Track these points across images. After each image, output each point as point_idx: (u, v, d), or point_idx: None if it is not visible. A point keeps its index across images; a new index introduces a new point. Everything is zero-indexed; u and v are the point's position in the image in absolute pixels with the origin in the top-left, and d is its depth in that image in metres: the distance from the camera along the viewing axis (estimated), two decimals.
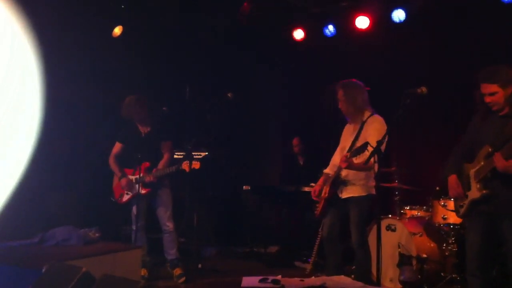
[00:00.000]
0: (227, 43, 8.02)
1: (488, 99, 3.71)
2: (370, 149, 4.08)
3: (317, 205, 4.87)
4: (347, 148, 4.73)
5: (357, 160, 4.35)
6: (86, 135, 6.93)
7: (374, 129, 4.54)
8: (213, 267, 6.31)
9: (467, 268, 3.89)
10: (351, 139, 4.75)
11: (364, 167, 4.36)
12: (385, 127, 4.57)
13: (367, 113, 4.73)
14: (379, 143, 3.96)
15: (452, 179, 3.96)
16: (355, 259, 4.81)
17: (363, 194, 4.64)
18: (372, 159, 4.26)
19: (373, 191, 4.64)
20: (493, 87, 3.67)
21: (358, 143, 4.51)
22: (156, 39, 7.57)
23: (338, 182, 4.73)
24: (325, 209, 4.81)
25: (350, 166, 4.46)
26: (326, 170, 5.01)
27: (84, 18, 6.59)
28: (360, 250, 4.72)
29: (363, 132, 4.65)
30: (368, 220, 4.92)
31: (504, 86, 3.65)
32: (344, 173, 4.68)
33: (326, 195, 4.74)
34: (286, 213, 7.47)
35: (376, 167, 4.48)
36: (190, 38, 7.84)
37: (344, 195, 4.71)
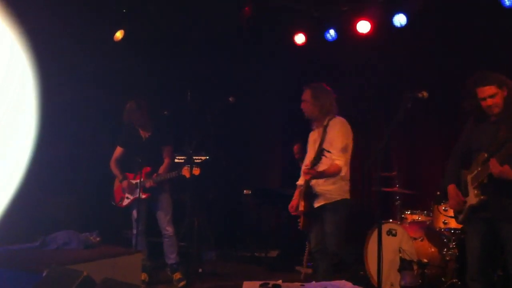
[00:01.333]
0: (228, 46, 8.03)
1: (489, 102, 3.72)
2: (326, 154, 4.04)
3: (299, 220, 4.62)
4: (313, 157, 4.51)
5: (319, 168, 4.22)
6: (87, 138, 6.95)
7: (338, 131, 4.42)
8: (214, 271, 6.31)
9: (468, 272, 3.91)
10: (316, 146, 4.53)
11: (330, 173, 4.29)
12: (349, 128, 4.50)
13: (328, 117, 4.56)
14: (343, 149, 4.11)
15: (451, 189, 4.00)
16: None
17: (336, 199, 4.44)
18: (341, 162, 4.24)
19: (347, 195, 4.50)
20: (493, 89, 3.69)
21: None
22: (157, 42, 7.58)
23: (310, 194, 4.50)
24: (308, 222, 4.55)
25: (314, 176, 4.32)
26: (299, 182, 4.77)
27: (86, 22, 6.61)
28: (337, 260, 4.52)
29: (327, 136, 4.46)
30: (345, 227, 4.60)
31: (500, 87, 3.69)
32: (313, 182, 4.48)
33: (304, 209, 4.48)
34: (287, 217, 7.46)
35: (347, 172, 4.41)
36: (191, 42, 7.85)
37: (317, 203, 4.49)
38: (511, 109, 3.71)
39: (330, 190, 4.44)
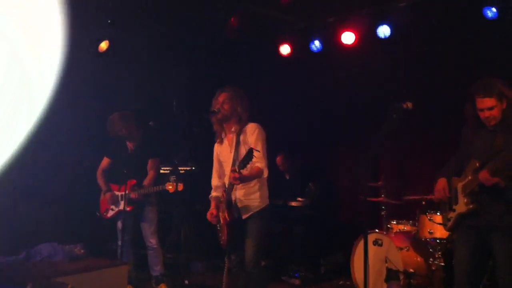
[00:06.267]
0: (214, 57, 8.04)
1: (486, 114, 3.69)
2: (256, 154, 3.89)
3: (220, 234, 4.38)
4: (230, 166, 4.30)
5: (245, 171, 4.06)
6: (72, 149, 6.89)
7: (258, 136, 4.26)
8: (202, 282, 6.29)
9: (456, 282, 3.90)
10: (231, 155, 4.35)
11: (253, 175, 4.14)
12: (264, 133, 4.34)
13: (240, 123, 4.37)
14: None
15: (441, 181, 4.00)
16: (250, 280, 4.31)
17: (262, 206, 4.30)
18: (262, 165, 4.13)
19: (268, 201, 4.37)
20: (492, 101, 3.65)
21: (241, 155, 4.13)
22: (143, 53, 7.56)
23: (234, 204, 4.29)
24: (231, 236, 4.26)
25: (242, 180, 4.08)
26: (213, 194, 4.63)
27: (70, 32, 6.57)
28: (255, 269, 4.25)
29: (243, 143, 4.28)
30: (266, 235, 4.45)
31: (500, 99, 3.66)
32: (236, 192, 4.29)
33: (227, 220, 4.23)
34: (274, 227, 7.44)
35: (267, 176, 4.29)
36: (176, 52, 7.84)
37: (245, 214, 4.28)
38: (509, 120, 3.68)
39: (257, 199, 4.30)
